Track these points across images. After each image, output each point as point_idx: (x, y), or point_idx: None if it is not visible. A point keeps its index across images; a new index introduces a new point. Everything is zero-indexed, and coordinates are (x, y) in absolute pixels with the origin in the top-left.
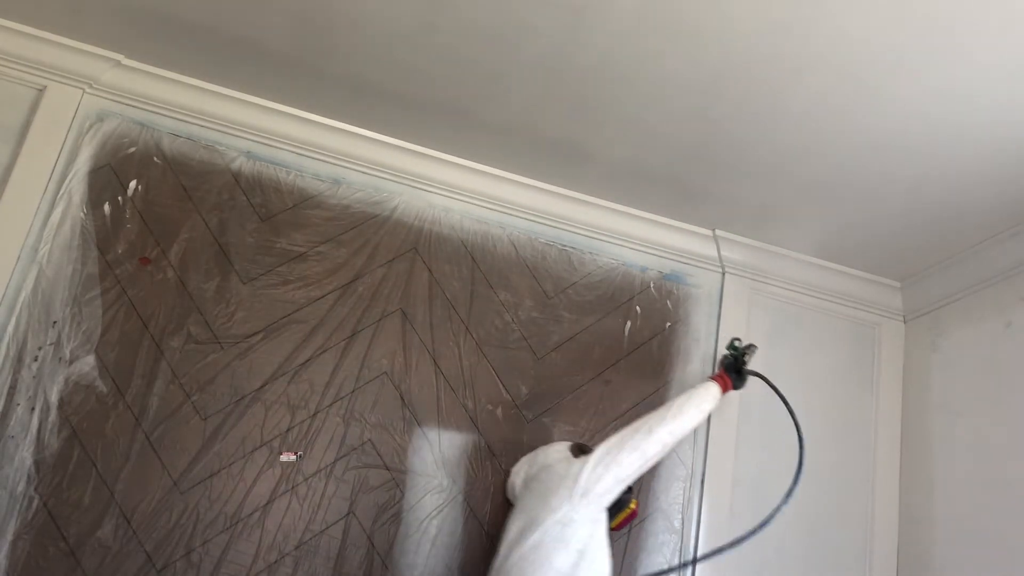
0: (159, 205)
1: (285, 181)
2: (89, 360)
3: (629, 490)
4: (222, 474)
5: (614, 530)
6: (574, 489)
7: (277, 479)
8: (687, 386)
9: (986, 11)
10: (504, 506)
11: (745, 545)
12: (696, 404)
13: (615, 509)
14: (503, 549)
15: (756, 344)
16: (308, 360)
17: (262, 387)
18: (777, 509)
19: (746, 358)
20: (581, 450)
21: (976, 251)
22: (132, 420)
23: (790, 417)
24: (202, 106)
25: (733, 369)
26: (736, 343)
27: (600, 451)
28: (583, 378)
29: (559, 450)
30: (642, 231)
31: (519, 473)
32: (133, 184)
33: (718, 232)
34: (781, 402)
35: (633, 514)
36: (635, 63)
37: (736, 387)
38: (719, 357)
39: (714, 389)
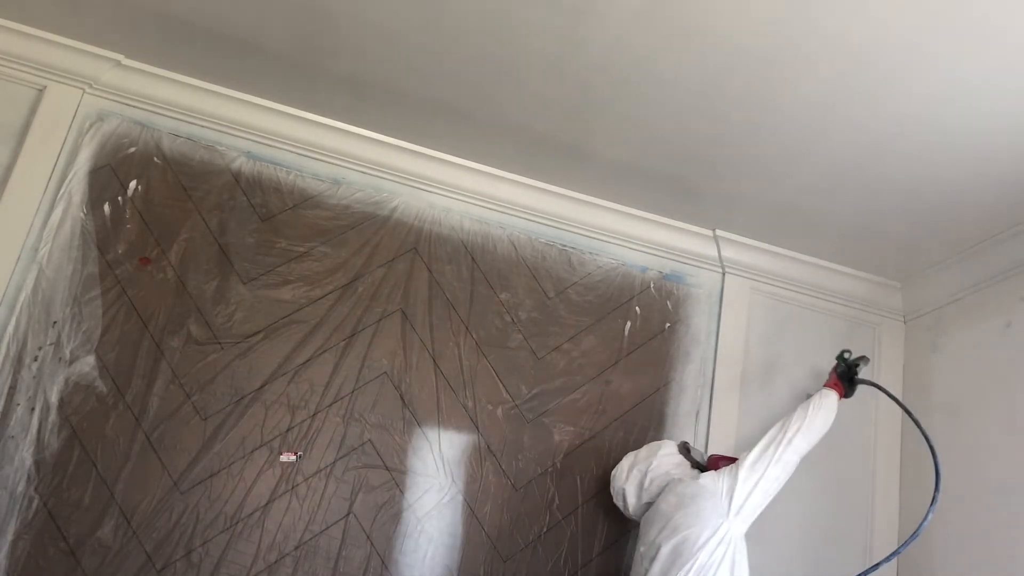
0: (159, 205)
1: (285, 181)
2: (89, 360)
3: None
4: (222, 474)
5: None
6: (730, 508)
7: (277, 479)
8: (687, 386)
9: (986, 11)
10: (504, 506)
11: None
12: (824, 411)
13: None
14: (654, 567)
15: (868, 357)
16: (308, 360)
17: (262, 387)
18: (924, 519)
19: (858, 368)
20: (688, 450)
21: (976, 251)
22: (132, 420)
23: (917, 428)
24: (202, 106)
25: (846, 378)
26: (846, 355)
27: (747, 467)
28: (583, 378)
29: (670, 454)
30: (642, 231)
31: (628, 479)
32: (133, 184)
33: (718, 232)
34: (906, 415)
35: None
36: (635, 63)
37: (847, 395)
38: (832, 366)
39: (834, 396)
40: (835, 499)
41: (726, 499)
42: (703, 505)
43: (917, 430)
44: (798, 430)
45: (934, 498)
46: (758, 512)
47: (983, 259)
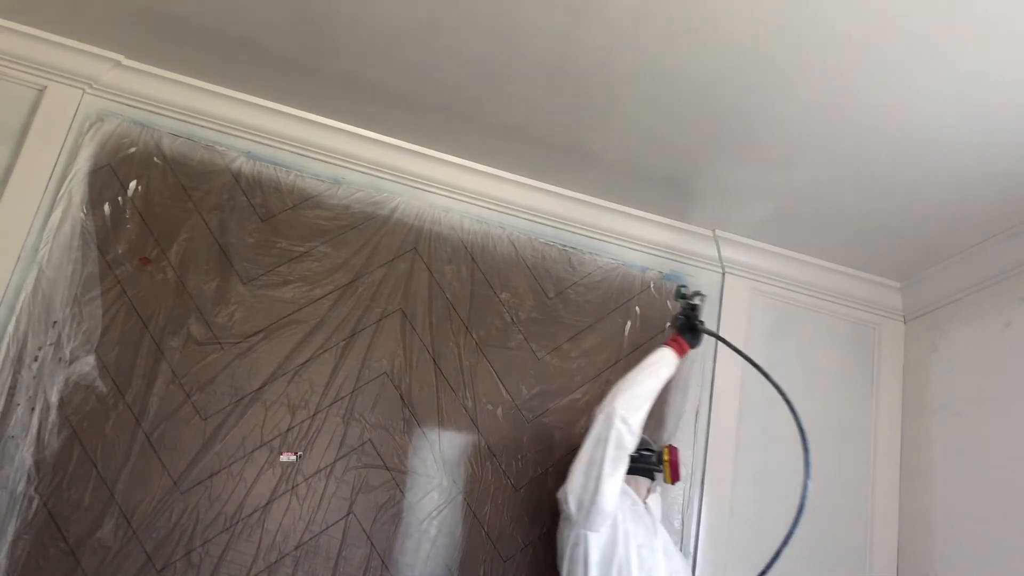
0: (159, 205)
1: (285, 181)
2: (89, 360)
3: (649, 449)
4: (222, 474)
5: (675, 483)
6: (572, 515)
7: (277, 479)
8: (687, 387)
9: (985, 11)
10: (504, 506)
11: (744, 545)
12: (649, 372)
13: (652, 470)
14: None
15: (703, 292)
16: (308, 360)
17: (262, 387)
18: (799, 513)
19: (697, 311)
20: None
21: (976, 251)
22: (132, 420)
23: (771, 384)
24: (202, 106)
25: (687, 329)
26: (683, 290)
27: (578, 472)
28: (583, 378)
29: None
30: (642, 231)
31: None
32: (133, 184)
33: (718, 232)
34: (760, 372)
35: (673, 458)
36: (635, 64)
37: (693, 346)
38: (673, 318)
39: (668, 354)
40: (834, 499)
41: (565, 507)
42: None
43: (915, 430)
44: (614, 398)
45: (806, 461)
46: (605, 502)
47: (983, 259)
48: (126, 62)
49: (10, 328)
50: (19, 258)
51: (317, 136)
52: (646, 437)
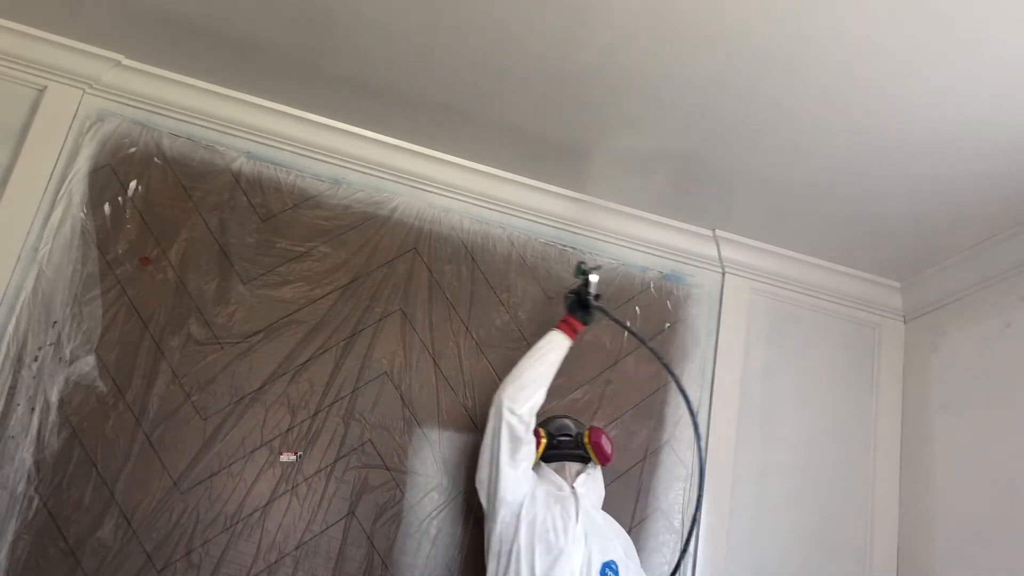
0: (159, 205)
1: (285, 181)
2: (89, 360)
3: (567, 434)
4: (222, 474)
5: (547, 461)
6: (484, 507)
7: (277, 479)
8: (687, 386)
9: (985, 11)
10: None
11: (744, 545)
12: (536, 358)
13: (576, 454)
14: None
15: (600, 264)
16: (308, 360)
17: (262, 387)
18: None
19: (590, 287)
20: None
21: (976, 251)
22: (132, 420)
23: (664, 367)
24: (202, 106)
25: (578, 307)
26: (583, 266)
27: (479, 468)
28: (583, 378)
29: None
30: (642, 231)
31: None
32: (133, 184)
33: (718, 232)
34: (655, 355)
35: (595, 440)
36: (635, 64)
37: (586, 323)
38: (564, 296)
39: (556, 337)
40: (834, 499)
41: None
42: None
43: (915, 430)
44: (504, 388)
45: (694, 424)
46: (505, 493)
47: (983, 259)
48: (126, 62)
49: (10, 328)
50: (19, 258)
51: (317, 136)
52: (568, 422)
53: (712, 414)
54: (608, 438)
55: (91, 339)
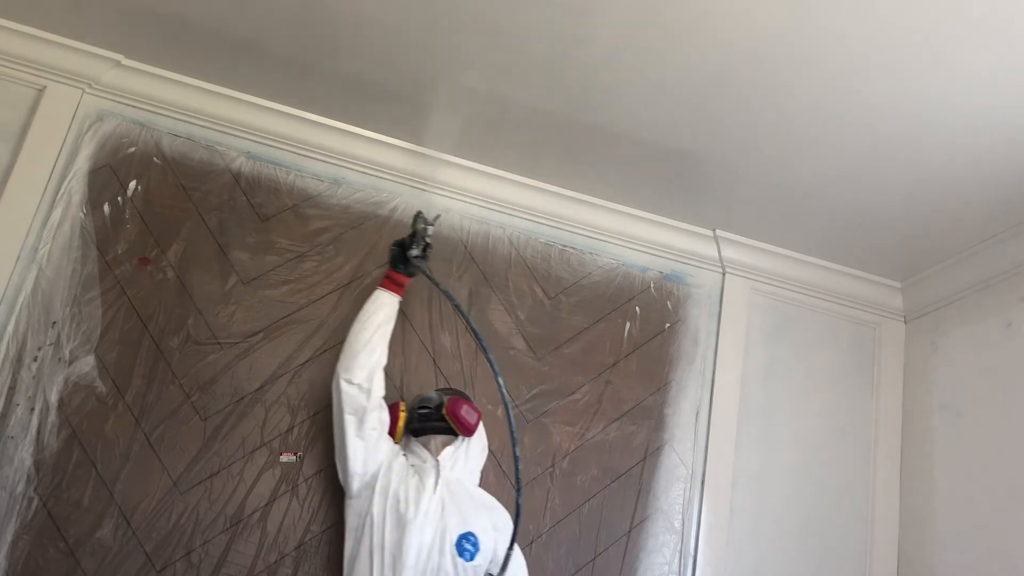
0: (159, 205)
1: (285, 181)
2: (89, 360)
3: (426, 406)
4: (222, 474)
5: (416, 435)
6: (343, 484)
7: (277, 479)
8: (687, 386)
9: (985, 11)
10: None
11: (744, 545)
12: (363, 323)
13: (437, 426)
14: None
15: (440, 215)
16: (308, 360)
17: (262, 387)
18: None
19: (417, 238)
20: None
21: (976, 251)
22: (132, 420)
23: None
24: (202, 106)
25: (400, 261)
26: (420, 217)
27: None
28: (583, 379)
29: None
30: (642, 231)
31: None
32: (133, 184)
33: (718, 232)
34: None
35: (454, 410)
36: (635, 64)
37: (410, 275)
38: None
39: (380, 296)
40: (834, 499)
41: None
42: None
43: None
44: (347, 369)
45: (500, 387)
46: (357, 468)
47: (983, 259)
48: (126, 62)
49: (10, 328)
50: (19, 258)
51: (317, 136)
52: (434, 394)
53: (712, 414)
54: (471, 407)
55: (91, 339)
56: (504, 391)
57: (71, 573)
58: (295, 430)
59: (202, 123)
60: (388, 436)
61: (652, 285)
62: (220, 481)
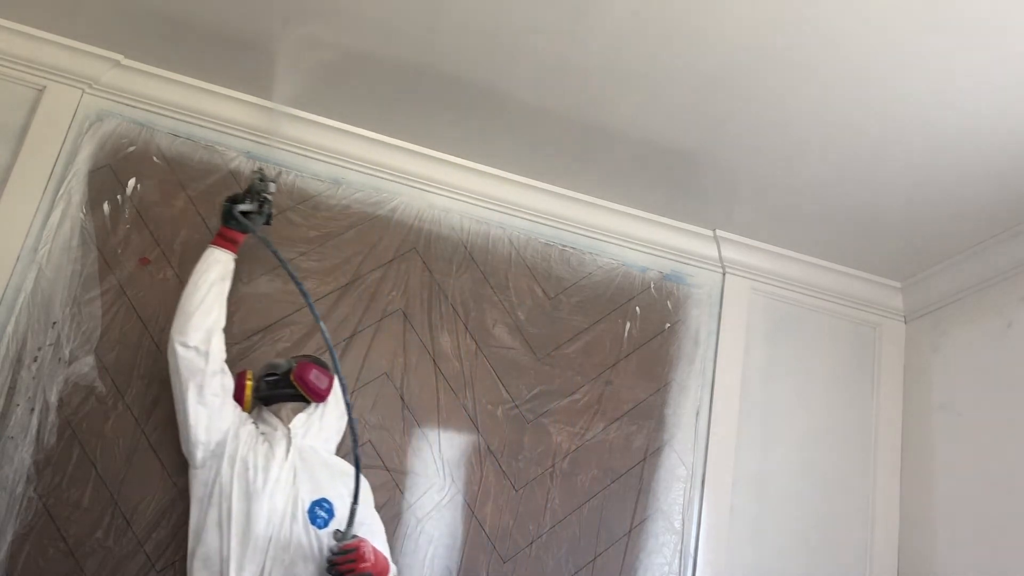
0: (158, 205)
1: (285, 181)
2: (89, 360)
3: (274, 374)
4: None
5: (268, 404)
6: (186, 455)
7: None
8: (687, 386)
9: (985, 12)
10: (504, 506)
11: (744, 545)
12: (195, 284)
13: (287, 393)
14: None
15: (280, 172)
16: None
17: None
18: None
19: (252, 194)
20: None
21: (976, 251)
22: (132, 420)
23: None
24: (202, 106)
25: (231, 217)
26: (258, 172)
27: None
28: (583, 379)
29: None
30: (642, 231)
31: None
32: (132, 184)
33: (718, 232)
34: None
35: (302, 376)
36: (635, 63)
37: (244, 231)
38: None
39: (211, 254)
40: (835, 500)
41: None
42: None
43: (916, 430)
44: (182, 332)
45: (332, 356)
46: (199, 438)
47: (983, 259)
48: (125, 62)
49: (9, 328)
50: (19, 258)
51: (317, 136)
52: (282, 360)
53: (712, 414)
54: (321, 372)
55: (90, 339)
56: (326, 334)
57: (71, 573)
58: None
59: (202, 123)
60: (234, 403)
61: (652, 285)
62: None
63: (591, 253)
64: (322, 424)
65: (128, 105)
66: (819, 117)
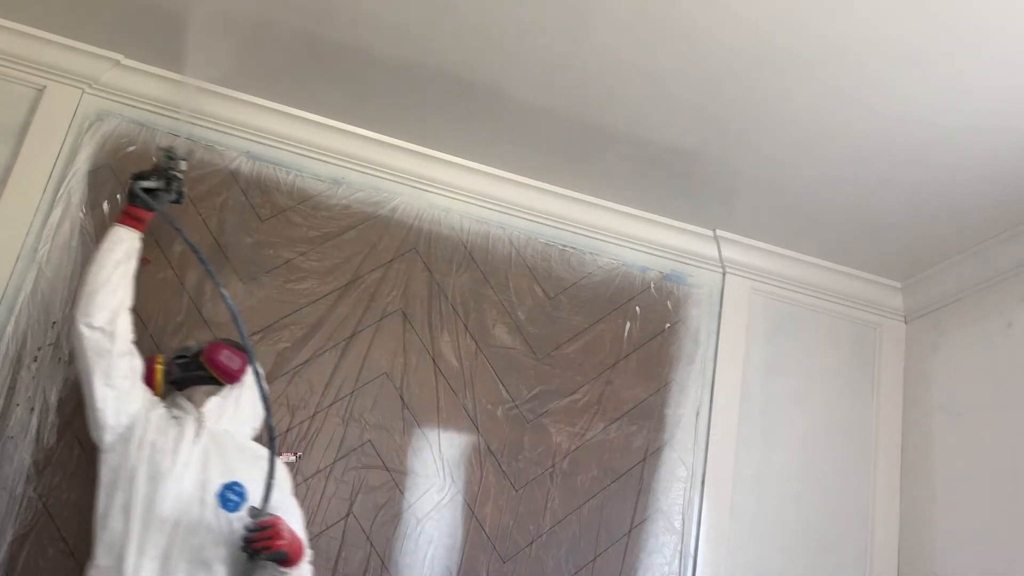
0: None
1: (285, 181)
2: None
3: (183, 356)
4: None
5: (182, 388)
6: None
7: None
8: (687, 386)
9: (985, 13)
10: (504, 506)
11: (744, 545)
12: (98, 263)
13: (197, 376)
14: None
15: (191, 152)
16: (308, 360)
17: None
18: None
19: (159, 170)
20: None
21: (976, 251)
22: None
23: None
24: (201, 106)
25: (133, 195)
26: (169, 151)
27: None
28: (583, 379)
29: None
30: (642, 231)
31: None
32: None
33: (718, 232)
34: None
35: (212, 357)
36: (635, 63)
37: (150, 209)
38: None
39: (114, 232)
40: (835, 500)
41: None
42: None
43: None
44: (85, 313)
45: (240, 330)
46: (105, 420)
47: (983, 259)
48: (125, 62)
49: (9, 328)
50: (19, 258)
51: (317, 136)
52: (193, 343)
53: (712, 414)
54: (233, 352)
55: None
56: (228, 299)
57: (71, 573)
58: (294, 430)
59: (202, 123)
60: (145, 385)
61: (652, 285)
62: None
63: (591, 253)
64: (238, 407)
65: (128, 105)
66: (819, 117)
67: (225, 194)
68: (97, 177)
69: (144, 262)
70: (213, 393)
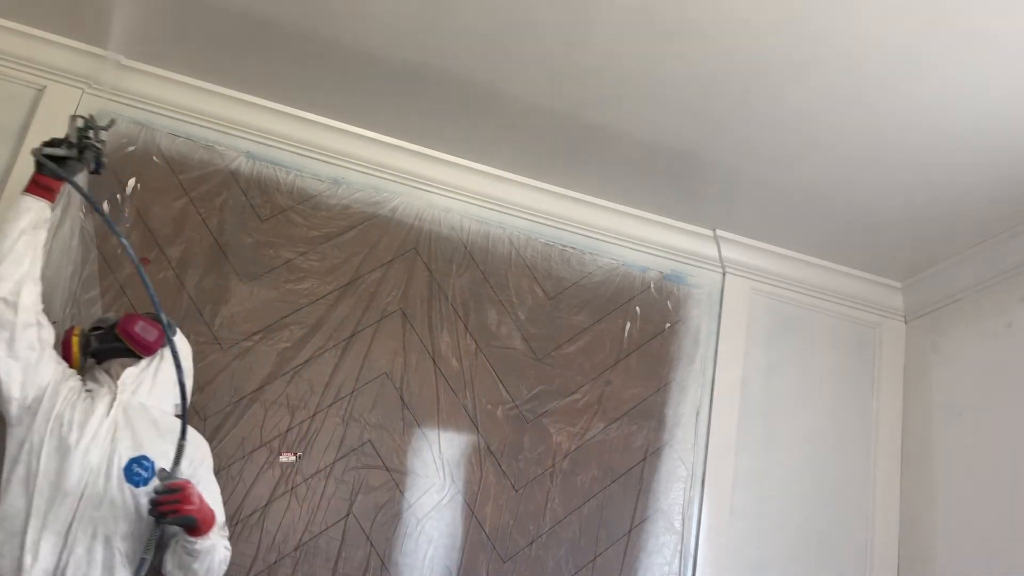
0: (158, 205)
1: (285, 181)
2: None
3: (99, 327)
4: (221, 475)
5: (101, 360)
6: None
7: (276, 480)
8: (687, 386)
9: (986, 13)
10: (504, 506)
11: (744, 546)
12: (6, 228)
13: (115, 348)
14: None
15: (112, 120)
16: (308, 360)
17: (261, 387)
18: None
19: (69, 140)
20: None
21: (976, 251)
22: None
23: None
24: (202, 106)
25: (40, 163)
26: (78, 125)
27: None
28: (583, 378)
29: None
30: (642, 231)
31: None
32: (132, 184)
33: (718, 232)
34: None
35: (127, 329)
36: (635, 63)
37: (59, 177)
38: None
39: (22, 201)
40: (835, 500)
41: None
42: None
43: (916, 430)
44: None
45: (176, 360)
46: (6, 392)
47: (983, 259)
48: (126, 62)
49: None
50: None
51: (317, 136)
52: (111, 315)
53: (712, 414)
54: (149, 323)
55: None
56: (143, 274)
57: None
58: (294, 430)
59: (202, 123)
60: (58, 358)
61: (652, 285)
62: (219, 481)
63: (591, 253)
64: (156, 380)
65: (128, 105)
66: (819, 117)
67: (225, 194)
68: (97, 177)
69: (144, 262)
70: (129, 365)
